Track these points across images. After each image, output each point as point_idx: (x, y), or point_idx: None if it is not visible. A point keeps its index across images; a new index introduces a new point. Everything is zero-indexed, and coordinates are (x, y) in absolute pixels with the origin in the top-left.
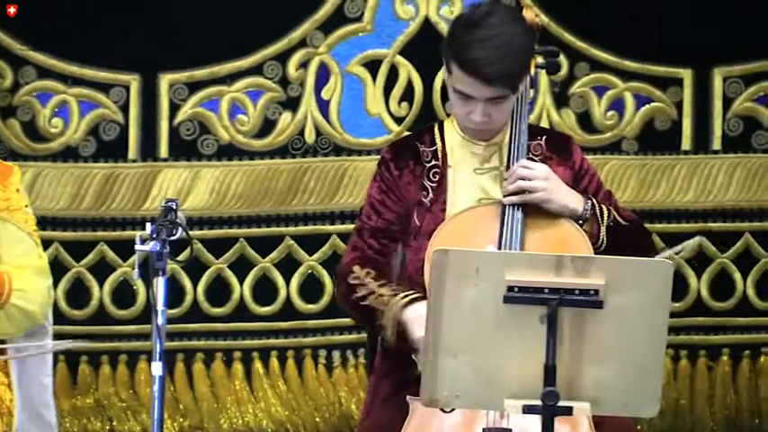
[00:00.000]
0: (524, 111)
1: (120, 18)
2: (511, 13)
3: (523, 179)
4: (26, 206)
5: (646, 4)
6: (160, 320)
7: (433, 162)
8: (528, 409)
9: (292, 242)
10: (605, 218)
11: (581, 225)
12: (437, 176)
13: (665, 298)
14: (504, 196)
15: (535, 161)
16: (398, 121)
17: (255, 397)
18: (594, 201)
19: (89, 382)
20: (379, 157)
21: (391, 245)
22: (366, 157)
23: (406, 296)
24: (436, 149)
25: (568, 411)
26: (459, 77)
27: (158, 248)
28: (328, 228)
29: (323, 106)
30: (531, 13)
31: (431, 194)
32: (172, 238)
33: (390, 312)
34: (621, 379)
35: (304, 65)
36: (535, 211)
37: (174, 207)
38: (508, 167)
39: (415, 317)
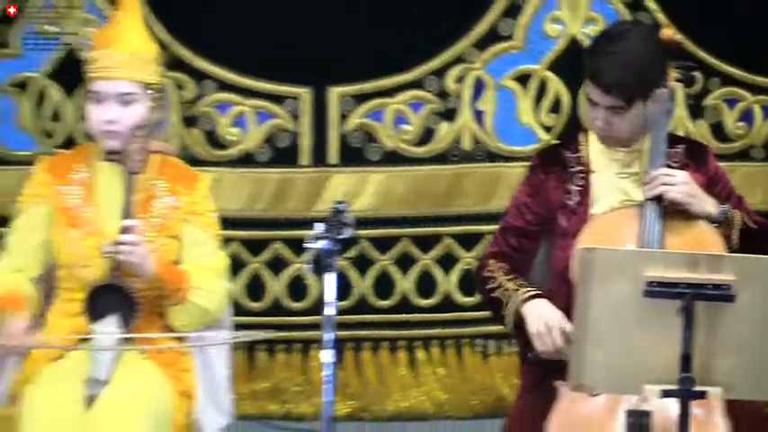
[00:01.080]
0: (664, 120)
1: (293, 36)
2: (644, 31)
3: (665, 184)
4: (211, 211)
5: None
6: (330, 312)
7: (578, 168)
8: (666, 394)
9: (451, 240)
10: (737, 221)
11: (716, 227)
12: (581, 181)
13: None
14: (646, 199)
15: (673, 167)
16: (547, 130)
17: (418, 382)
18: (727, 206)
19: (266, 368)
20: (528, 162)
21: (528, 244)
22: (517, 163)
23: (528, 292)
24: (580, 156)
25: (702, 396)
26: (588, 84)
27: (329, 246)
28: (483, 227)
29: (478, 117)
30: (670, 31)
31: (576, 197)
32: (341, 236)
33: (512, 305)
34: (752, 366)
35: (461, 79)
36: (673, 213)
37: (343, 209)
38: (648, 172)
39: (532, 311)
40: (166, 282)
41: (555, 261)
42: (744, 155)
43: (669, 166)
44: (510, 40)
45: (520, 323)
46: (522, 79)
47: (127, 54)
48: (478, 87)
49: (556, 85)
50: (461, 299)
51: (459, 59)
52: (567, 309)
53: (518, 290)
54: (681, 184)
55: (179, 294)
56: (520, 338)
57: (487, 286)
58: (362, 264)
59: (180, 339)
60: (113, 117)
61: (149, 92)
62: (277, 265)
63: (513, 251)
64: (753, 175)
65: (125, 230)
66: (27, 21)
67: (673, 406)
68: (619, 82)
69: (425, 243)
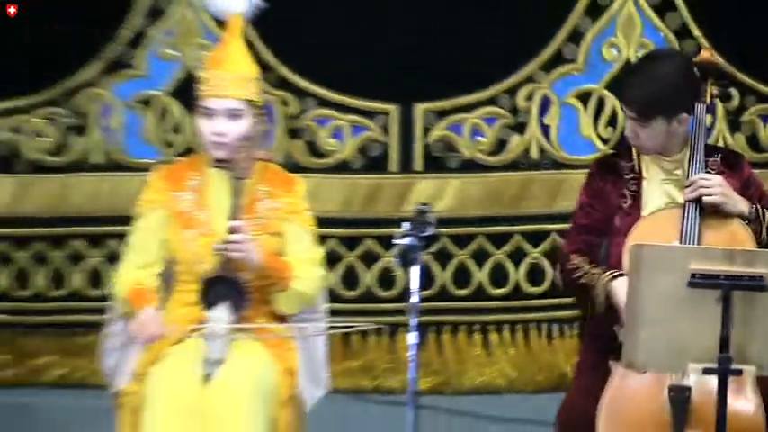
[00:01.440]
0: (701, 133)
1: (384, 60)
2: (678, 58)
3: (702, 187)
4: (307, 210)
5: None
6: (415, 300)
7: (631, 175)
8: (707, 371)
9: (520, 237)
10: (767, 219)
11: (747, 225)
12: (634, 187)
13: None
14: (687, 201)
15: (711, 173)
16: (604, 141)
17: (491, 360)
18: (758, 206)
19: (359, 348)
20: (588, 170)
21: (595, 239)
22: (579, 171)
23: (611, 273)
24: (633, 165)
25: (739, 373)
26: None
27: (414, 242)
28: (548, 226)
29: (545, 130)
30: (707, 53)
31: (629, 201)
32: (424, 234)
33: (601, 284)
34: None
35: (530, 97)
36: (710, 213)
37: (427, 210)
38: (687, 177)
39: (619, 286)
40: (272, 272)
41: (611, 257)
42: None
43: (707, 173)
44: (573, 63)
45: (609, 300)
46: (583, 97)
47: (233, 74)
48: (545, 104)
49: (612, 103)
50: (529, 288)
51: (528, 80)
52: None
53: (603, 273)
54: (716, 187)
55: (283, 282)
56: (610, 316)
57: (574, 276)
58: (443, 258)
59: (284, 322)
60: (222, 130)
61: (253, 108)
62: (369, 258)
63: (586, 246)
64: None
65: (233, 231)
66: (152, 45)
67: (710, 382)
68: (637, 99)
69: (498, 240)
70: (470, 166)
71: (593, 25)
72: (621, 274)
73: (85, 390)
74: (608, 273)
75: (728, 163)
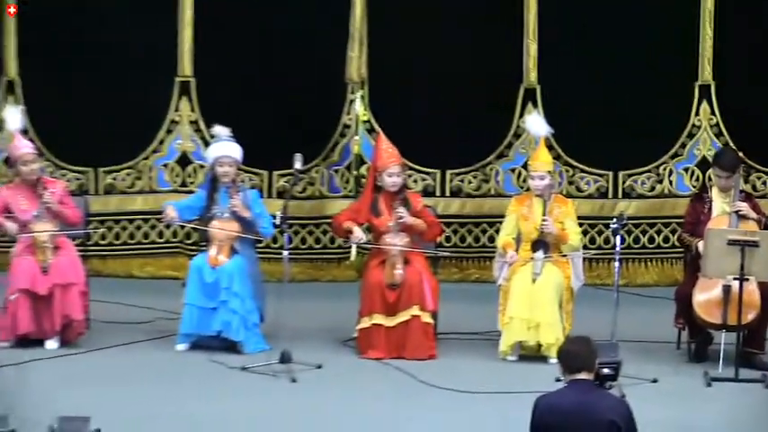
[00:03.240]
0: (738, 182)
1: None
2: (735, 151)
3: (740, 208)
4: (574, 211)
5: None
6: None
7: (708, 199)
8: (735, 278)
9: None
10: (764, 221)
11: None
12: (708, 205)
13: None
14: (732, 212)
15: (742, 200)
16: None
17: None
18: (762, 217)
19: None
20: (689, 197)
21: (693, 227)
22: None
23: (698, 240)
24: (708, 194)
25: (747, 279)
26: (715, 167)
27: None
28: None
29: None
30: (741, 153)
31: (706, 211)
32: None
33: (694, 244)
34: (766, 267)
35: None
36: (743, 218)
37: None
38: (733, 202)
39: (701, 245)
40: (560, 237)
41: (700, 234)
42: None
43: (741, 200)
44: None
45: (697, 250)
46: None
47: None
48: None
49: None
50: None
51: None
52: None
53: (695, 240)
54: (745, 208)
55: (563, 240)
56: (698, 256)
57: (685, 241)
58: None
59: (564, 256)
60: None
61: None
62: None
63: (690, 228)
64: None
65: (543, 225)
66: None
67: (736, 284)
68: (725, 166)
69: None
70: None
71: None
72: (700, 242)
73: None
74: (697, 239)
75: (746, 196)
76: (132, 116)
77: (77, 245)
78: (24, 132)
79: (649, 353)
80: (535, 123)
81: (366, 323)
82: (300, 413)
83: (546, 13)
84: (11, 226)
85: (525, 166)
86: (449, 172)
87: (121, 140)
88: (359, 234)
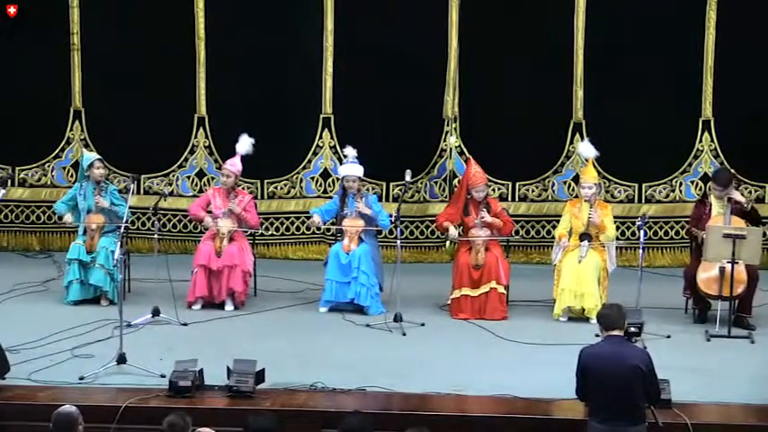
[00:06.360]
0: (733, 191)
1: None
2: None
3: (732, 210)
4: (611, 212)
5: None
6: None
7: (708, 204)
8: (728, 262)
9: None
10: (753, 216)
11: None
12: (708, 207)
13: None
14: (726, 214)
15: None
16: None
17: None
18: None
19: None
20: (694, 202)
21: (697, 223)
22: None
23: (702, 232)
24: (709, 200)
25: (737, 263)
26: (713, 183)
27: None
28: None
29: None
30: (732, 171)
31: (707, 212)
32: None
33: (699, 235)
34: (751, 253)
35: None
36: (734, 217)
37: None
38: (727, 206)
39: (703, 235)
40: (601, 228)
41: (703, 228)
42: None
43: (733, 205)
44: None
45: (700, 239)
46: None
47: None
48: None
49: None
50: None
51: None
52: None
53: (699, 231)
54: (738, 196)
55: (603, 232)
56: (700, 245)
57: (692, 232)
58: None
59: (602, 245)
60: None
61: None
62: None
63: (695, 223)
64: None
65: (590, 216)
66: None
67: (729, 265)
68: (721, 182)
69: None
70: None
71: None
72: (702, 234)
73: None
74: (701, 231)
75: (737, 202)
76: (291, 144)
77: (248, 236)
78: (243, 157)
79: (664, 316)
80: (586, 148)
81: (457, 294)
82: (409, 358)
83: (589, 65)
84: (208, 220)
85: (575, 179)
86: (518, 183)
87: (282, 162)
88: (453, 232)
